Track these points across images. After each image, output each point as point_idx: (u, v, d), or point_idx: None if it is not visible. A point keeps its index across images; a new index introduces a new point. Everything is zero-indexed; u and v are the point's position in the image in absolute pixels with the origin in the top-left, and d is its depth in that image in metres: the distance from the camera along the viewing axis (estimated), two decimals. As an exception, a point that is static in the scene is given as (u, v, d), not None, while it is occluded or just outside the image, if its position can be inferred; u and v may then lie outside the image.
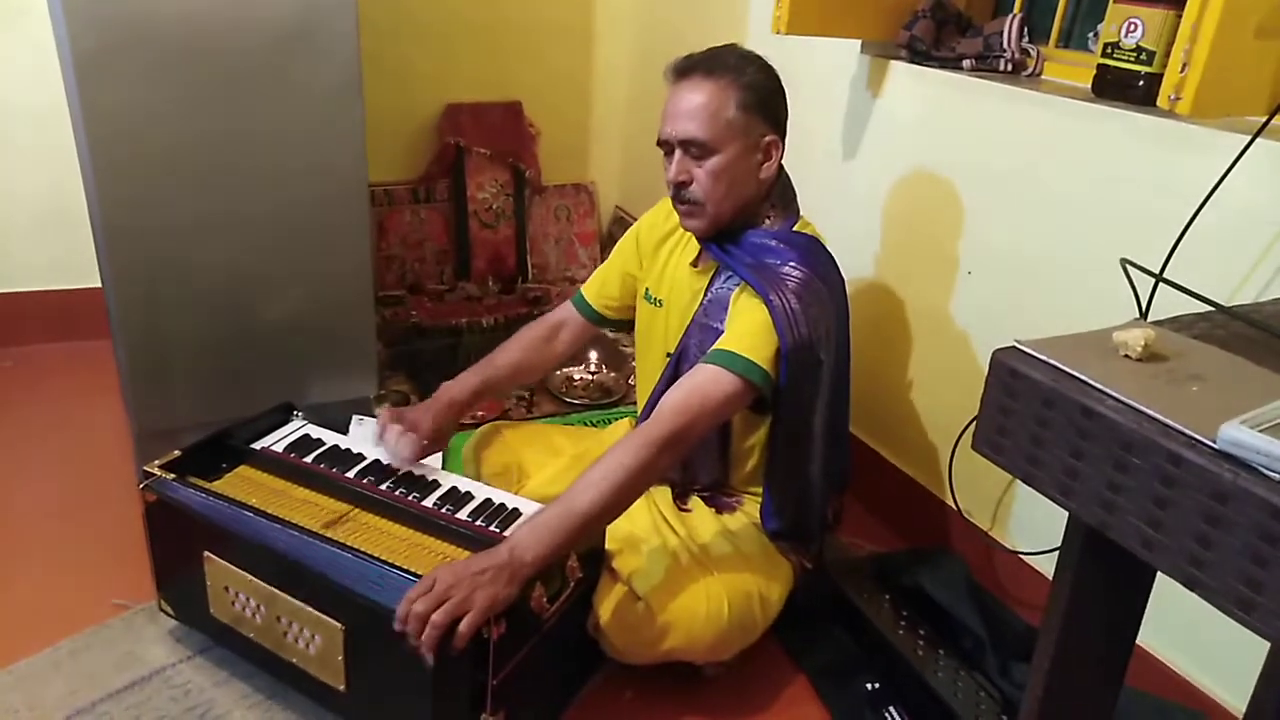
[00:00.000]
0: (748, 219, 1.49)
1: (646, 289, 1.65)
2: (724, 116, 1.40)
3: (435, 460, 1.60)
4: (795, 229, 1.50)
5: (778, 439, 1.51)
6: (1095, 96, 1.47)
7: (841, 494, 1.70)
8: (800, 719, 1.50)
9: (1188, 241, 1.18)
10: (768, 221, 1.50)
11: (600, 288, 1.73)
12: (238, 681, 1.46)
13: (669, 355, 1.59)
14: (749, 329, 1.40)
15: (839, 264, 1.51)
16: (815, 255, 1.47)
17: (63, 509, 1.86)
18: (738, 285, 1.47)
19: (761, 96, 1.43)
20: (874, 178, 1.94)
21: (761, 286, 1.40)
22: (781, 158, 1.48)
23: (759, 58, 1.46)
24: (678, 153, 1.43)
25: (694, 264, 1.56)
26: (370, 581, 1.26)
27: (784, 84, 1.47)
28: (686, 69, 1.43)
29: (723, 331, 1.45)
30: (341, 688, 1.32)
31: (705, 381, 1.37)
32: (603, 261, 1.76)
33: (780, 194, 1.51)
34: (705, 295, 1.53)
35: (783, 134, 1.48)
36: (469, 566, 1.19)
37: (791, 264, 1.42)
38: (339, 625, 1.28)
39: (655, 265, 1.64)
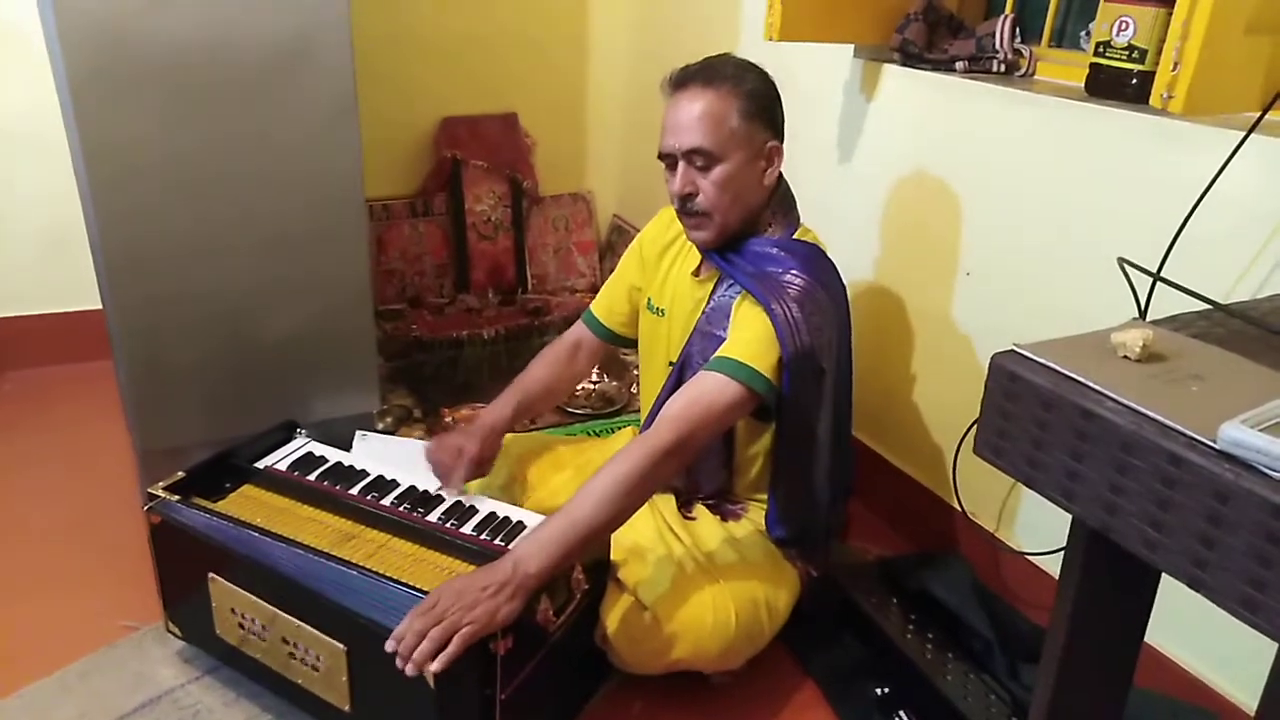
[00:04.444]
0: (750, 227, 1.48)
1: (649, 299, 1.65)
2: (728, 125, 1.40)
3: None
4: (796, 236, 1.50)
5: (782, 447, 1.50)
6: (1088, 96, 1.47)
7: (845, 501, 1.70)
8: (810, 725, 1.50)
9: (1184, 240, 1.18)
10: (769, 229, 1.49)
11: (609, 304, 1.73)
12: (246, 702, 1.46)
13: (671, 364, 1.58)
14: (751, 337, 1.39)
15: (839, 270, 1.51)
16: (816, 263, 1.47)
17: (68, 531, 1.86)
18: (740, 293, 1.47)
19: (762, 103, 1.43)
20: (869, 181, 1.94)
21: (763, 295, 1.40)
22: (782, 163, 1.48)
23: (755, 65, 1.46)
24: (681, 165, 1.43)
25: (695, 273, 1.56)
26: (374, 600, 1.26)
27: (778, 90, 1.47)
28: (684, 80, 1.43)
29: (725, 339, 1.45)
30: (346, 708, 1.32)
31: (708, 389, 1.36)
32: (603, 271, 1.77)
33: (780, 202, 1.51)
34: (707, 304, 1.53)
35: (782, 139, 1.48)
36: (472, 582, 1.19)
37: (793, 272, 1.42)
38: (342, 646, 1.28)
39: (657, 275, 1.64)
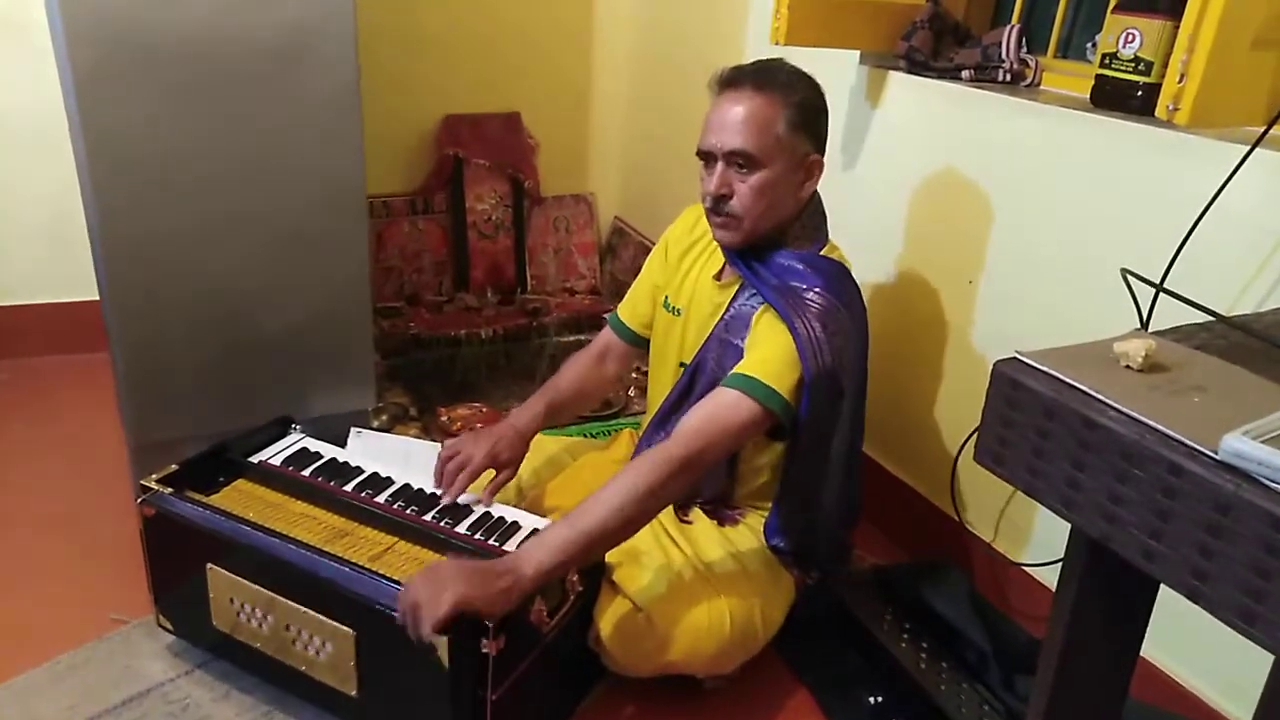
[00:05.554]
0: (778, 238, 1.47)
1: (666, 297, 1.63)
2: (773, 132, 1.38)
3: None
4: (823, 253, 1.48)
5: (794, 465, 1.49)
6: (1094, 107, 1.47)
7: (854, 526, 1.68)
8: (802, 732, 1.49)
9: (1188, 252, 1.18)
10: (797, 242, 1.47)
11: (633, 307, 1.71)
12: (237, 695, 1.45)
13: (683, 365, 1.57)
14: (772, 354, 1.38)
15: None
16: (840, 282, 1.45)
17: (60, 523, 1.85)
18: (761, 304, 1.45)
19: (809, 115, 1.42)
20: (873, 189, 1.94)
21: (786, 311, 1.38)
22: (820, 177, 1.47)
23: (807, 75, 1.44)
24: (720, 164, 1.41)
25: (717, 277, 1.55)
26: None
27: (827, 103, 1.46)
28: (735, 80, 1.41)
29: (742, 348, 1.44)
30: (353, 693, 1.32)
31: (725, 406, 1.35)
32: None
33: (812, 216, 1.49)
34: (727, 310, 1.51)
35: (823, 153, 1.46)
36: (472, 565, 1.19)
37: (817, 289, 1.41)
38: (350, 631, 1.28)
39: (678, 274, 1.62)
